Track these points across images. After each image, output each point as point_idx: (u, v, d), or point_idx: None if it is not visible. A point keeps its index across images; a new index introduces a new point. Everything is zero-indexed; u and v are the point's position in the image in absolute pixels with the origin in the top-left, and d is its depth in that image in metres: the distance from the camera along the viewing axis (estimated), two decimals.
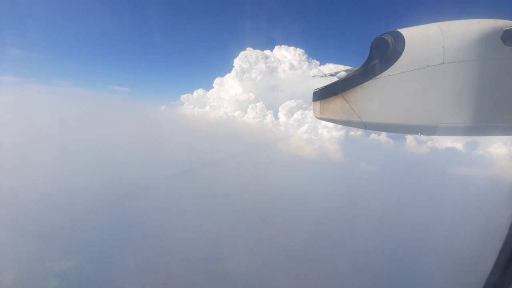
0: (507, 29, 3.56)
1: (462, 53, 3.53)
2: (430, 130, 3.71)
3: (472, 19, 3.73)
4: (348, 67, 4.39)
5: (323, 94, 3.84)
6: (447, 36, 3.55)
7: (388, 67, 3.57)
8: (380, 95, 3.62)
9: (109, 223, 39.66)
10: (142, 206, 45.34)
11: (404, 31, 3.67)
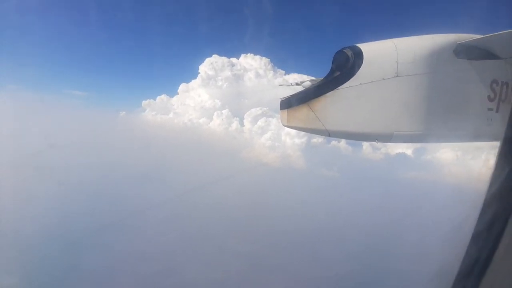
0: (460, 43, 3.94)
1: (415, 67, 3.85)
2: (386, 137, 4.00)
3: (426, 35, 4.08)
4: (312, 77, 4.59)
5: (290, 103, 3.96)
6: (401, 52, 3.87)
7: (349, 79, 3.80)
8: (342, 104, 3.84)
9: (62, 235, 36.33)
10: (97, 218, 42.23)
11: (362, 46, 3.93)
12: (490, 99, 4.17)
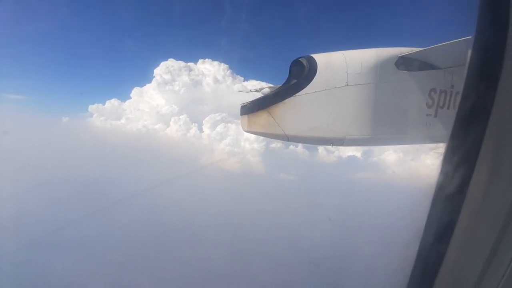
0: (401, 56, 4.37)
1: (362, 77, 4.22)
2: (339, 141, 4.31)
3: (371, 48, 4.49)
4: (270, 84, 4.77)
5: (250, 109, 4.07)
6: (349, 63, 4.23)
7: (305, 87, 4.04)
8: (299, 110, 4.05)
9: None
10: (36, 234, 37.86)
11: (316, 56, 4.22)
12: (429, 106, 4.67)
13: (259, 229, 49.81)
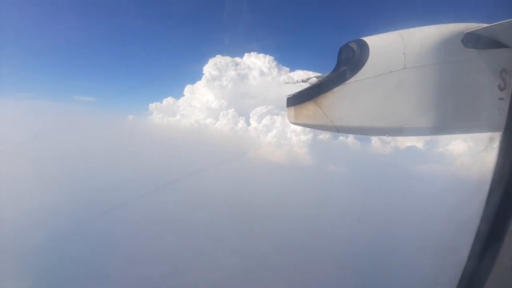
0: (467, 32, 3.84)
1: (422, 58, 3.76)
2: (397, 131, 3.94)
3: (432, 25, 4.00)
4: (318, 74, 4.56)
5: (297, 100, 3.94)
6: (407, 43, 3.80)
7: (356, 73, 3.76)
8: (350, 99, 3.80)
9: (77, 240, 37.13)
10: (111, 220, 42.97)
11: (367, 39, 3.88)
12: (501, 89, 4.03)
13: (307, 221, 49.24)
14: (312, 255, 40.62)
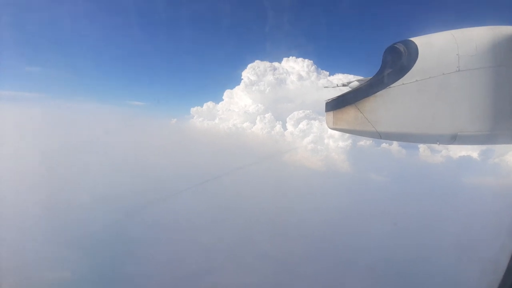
0: None
1: (477, 60, 3.46)
2: (449, 139, 3.60)
3: (483, 26, 3.70)
4: (359, 77, 4.36)
5: (336, 105, 3.79)
6: (461, 44, 3.50)
7: (402, 76, 3.53)
8: (395, 104, 3.56)
9: (119, 234, 39.90)
10: (153, 218, 45.50)
11: (416, 40, 3.64)
12: None
13: (343, 230, 47.16)
14: (346, 266, 38.83)
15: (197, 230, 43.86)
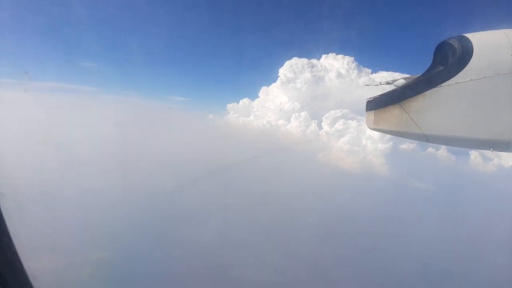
0: None
1: None
2: (504, 145, 3.28)
3: None
4: (406, 75, 4.09)
5: (379, 104, 3.60)
6: None
7: (455, 74, 3.25)
8: (446, 105, 3.29)
9: (166, 222, 42.08)
10: (187, 209, 47.46)
11: (471, 36, 3.35)
12: None
13: (378, 237, 44.96)
14: (379, 272, 37.14)
15: (228, 224, 44.86)
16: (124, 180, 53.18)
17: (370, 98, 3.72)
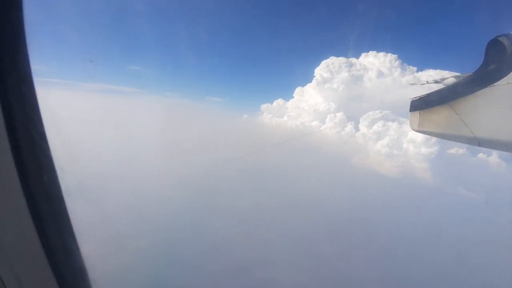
0: None
1: None
2: None
3: None
4: (456, 73, 3.81)
5: (424, 104, 3.41)
6: None
7: (507, 74, 2.98)
8: (500, 106, 3.03)
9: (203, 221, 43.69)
10: (222, 208, 48.63)
11: None
12: None
13: (415, 250, 42.13)
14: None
15: (262, 226, 45.14)
16: (170, 177, 55.73)
17: (415, 97, 3.54)
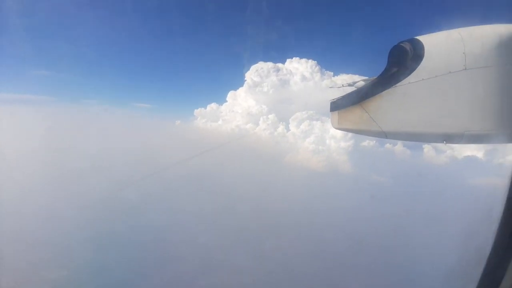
0: None
1: (484, 58, 3.43)
2: (456, 138, 3.58)
3: (490, 25, 3.67)
4: (365, 77, 4.34)
5: (341, 104, 3.80)
6: (467, 42, 3.47)
7: (408, 75, 3.51)
8: (401, 103, 3.55)
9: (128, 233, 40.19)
10: (148, 218, 45.79)
11: (422, 38, 3.62)
12: None
13: (342, 232, 46.76)
14: (343, 265, 38.51)
15: (195, 230, 43.81)
16: (82, 190, 49.97)
17: (333, 99, 3.90)
